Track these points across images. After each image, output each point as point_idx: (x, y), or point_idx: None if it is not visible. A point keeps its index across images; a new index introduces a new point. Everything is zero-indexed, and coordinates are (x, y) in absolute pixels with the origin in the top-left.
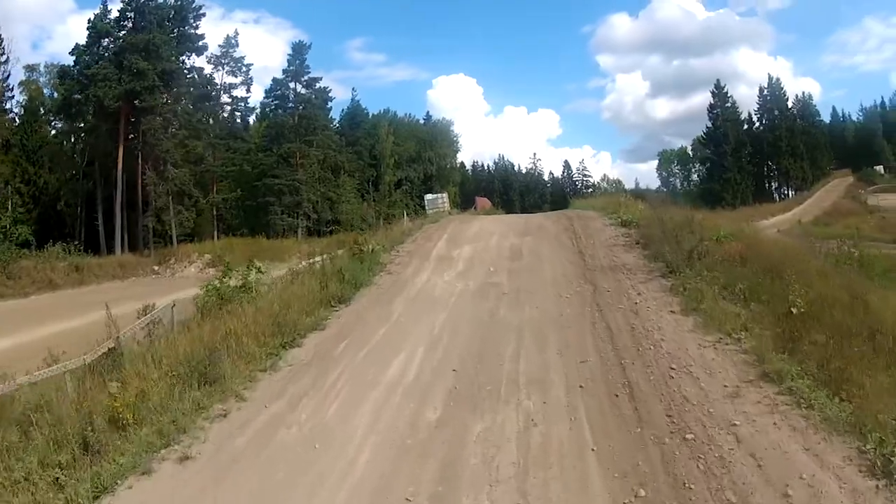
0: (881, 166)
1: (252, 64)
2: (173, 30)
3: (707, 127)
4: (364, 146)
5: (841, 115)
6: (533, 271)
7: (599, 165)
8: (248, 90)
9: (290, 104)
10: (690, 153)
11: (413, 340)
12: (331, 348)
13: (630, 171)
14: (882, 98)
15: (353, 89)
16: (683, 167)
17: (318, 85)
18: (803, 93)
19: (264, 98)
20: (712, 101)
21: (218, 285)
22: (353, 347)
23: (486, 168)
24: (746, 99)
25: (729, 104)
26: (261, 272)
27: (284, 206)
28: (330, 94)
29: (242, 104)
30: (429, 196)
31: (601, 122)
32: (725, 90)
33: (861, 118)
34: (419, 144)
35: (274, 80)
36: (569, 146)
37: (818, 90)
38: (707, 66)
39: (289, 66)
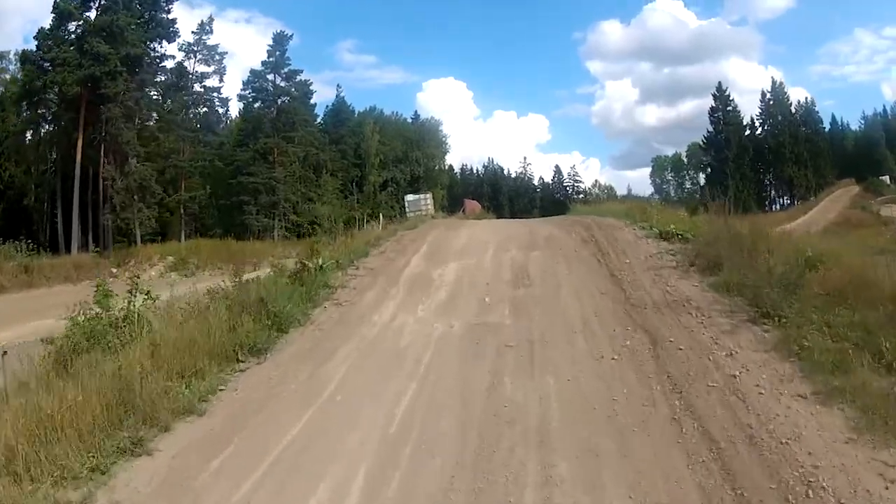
0: (887, 176)
1: (226, 52)
2: (143, 14)
3: (707, 131)
4: (349, 145)
5: (840, 123)
6: (549, 306)
7: (588, 171)
8: (220, 80)
9: (269, 97)
10: (685, 160)
11: (348, 456)
12: (194, 469)
13: (618, 177)
14: (883, 106)
15: (337, 86)
16: (677, 174)
17: (298, 78)
18: (806, 98)
19: (242, 90)
20: (714, 105)
21: (89, 317)
22: (234, 469)
23: (475, 172)
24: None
25: (730, 108)
26: (151, 298)
27: (260, 206)
28: (311, 88)
29: (216, 95)
30: (410, 196)
31: (590, 128)
32: (727, 93)
33: (861, 127)
34: (406, 144)
35: (252, 71)
36: (558, 152)
37: (808, 100)
38: (697, 73)
39: (268, 58)
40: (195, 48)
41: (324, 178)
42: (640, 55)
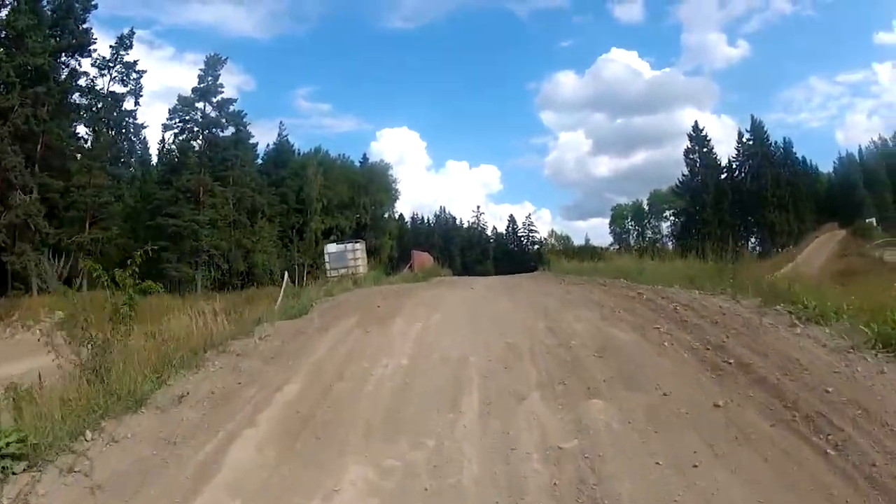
0: (873, 219)
1: (145, 71)
2: (56, 22)
3: (683, 174)
4: (290, 188)
5: (810, 165)
6: None
7: (539, 222)
8: (136, 102)
9: (197, 127)
10: (646, 207)
11: None
12: None
13: (569, 227)
14: (859, 147)
15: (280, 123)
16: (638, 223)
17: (231, 108)
18: (784, 139)
19: (168, 118)
20: (689, 146)
21: None
22: None
23: (426, 221)
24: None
25: (707, 150)
26: None
27: (182, 253)
28: (244, 120)
29: (130, 119)
30: (331, 247)
31: (542, 178)
32: (704, 133)
33: (834, 169)
34: (353, 189)
35: (179, 97)
36: (509, 202)
37: (786, 140)
38: (650, 124)
39: (199, 83)
40: (110, 64)
41: (259, 223)
42: (594, 106)
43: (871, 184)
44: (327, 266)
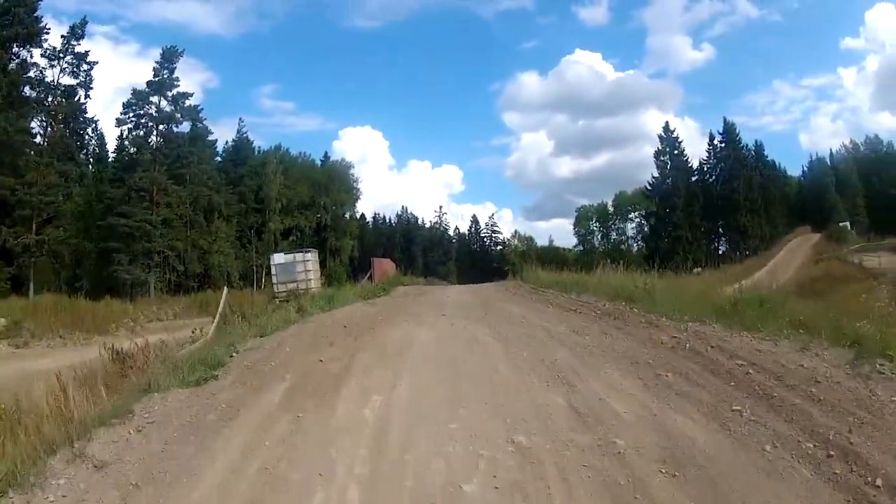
0: (848, 223)
1: (96, 62)
2: (9, 11)
3: (653, 177)
4: (249, 187)
5: (779, 169)
6: None
7: (501, 222)
8: (86, 95)
9: (150, 122)
10: (611, 209)
11: None
12: None
13: (531, 228)
14: (830, 151)
15: (239, 120)
16: (603, 224)
17: (187, 102)
18: (756, 142)
19: (122, 113)
20: (659, 147)
21: None
22: None
23: (388, 221)
24: (652, 159)
25: (677, 152)
26: None
27: (134, 255)
28: (201, 115)
29: (79, 114)
30: (278, 258)
31: (504, 179)
32: (675, 134)
33: (804, 173)
34: (313, 188)
35: (134, 91)
36: (471, 202)
37: (757, 143)
38: (613, 125)
39: (154, 76)
40: (60, 55)
41: (216, 223)
42: (557, 107)
43: (843, 188)
44: (274, 280)
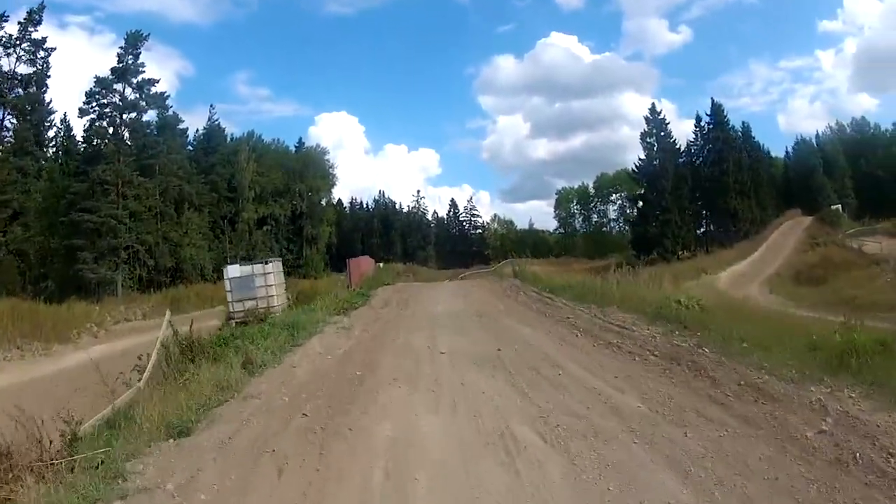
0: (839, 206)
1: (55, 48)
2: None
3: (640, 159)
4: (221, 176)
5: (764, 150)
6: None
7: (479, 205)
8: (44, 83)
9: (113, 112)
10: (592, 191)
11: None
12: None
13: (508, 210)
14: (817, 132)
15: (210, 106)
16: (584, 206)
17: (153, 89)
18: (743, 123)
19: (84, 103)
20: (646, 129)
21: None
22: None
23: (365, 206)
24: (629, 140)
25: (664, 133)
26: None
27: (99, 252)
28: (168, 103)
29: (39, 105)
30: (233, 270)
31: (480, 161)
32: (661, 115)
33: (793, 153)
34: (288, 175)
35: (96, 79)
36: (448, 185)
37: (745, 125)
38: (589, 107)
39: (118, 63)
40: (16, 42)
41: (187, 214)
42: (533, 90)
43: (830, 170)
44: (229, 298)
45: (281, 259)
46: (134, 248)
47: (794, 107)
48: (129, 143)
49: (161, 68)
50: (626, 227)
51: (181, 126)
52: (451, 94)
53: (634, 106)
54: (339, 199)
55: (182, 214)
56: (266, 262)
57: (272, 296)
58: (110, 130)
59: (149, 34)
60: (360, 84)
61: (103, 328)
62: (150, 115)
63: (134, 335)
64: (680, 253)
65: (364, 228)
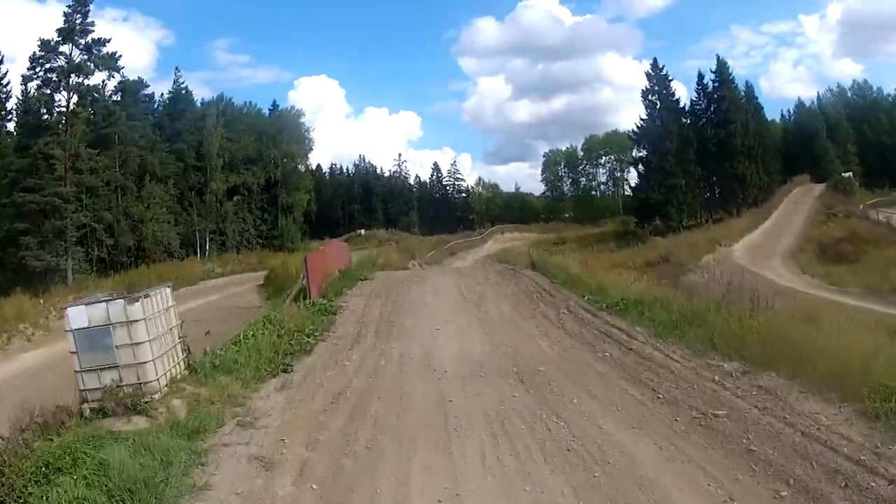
0: (850, 173)
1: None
2: None
3: (641, 119)
4: (188, 143)
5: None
6: None
7: (460, 167)
8: None
9: (57, 77)
10: (581, 153)
11: None
12: None
13: (490, 172)
14: (818, 94)
15: (175, 69)
16: (572, 170)
17: (104, 50)
18: (746, 83)
19: (28, 69)
20: (648, 85)
21: None
22: None
23: (345, 171)
24: (611, 102)
25: (666, 91)
26: None
27: (43, 236)
28: (119, 63)
29: None
30: (77, 314)
31: (461, 124)
32: (664, 71)
33: (794, 117)
34: (261, 141)
35: (41, 42)
36: (430, 148)
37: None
38: (571, 69)
39: (65, 23)
40: None
41: (148, 186)
42: (515, 52)
43: (832, 135)
44: (77, 366)
45: (170, 286)
46: (91, 227)
47: (777, 70)
48: (78, 110)
49: (141, 37)
50: (614, 191)
51: (146, 92)
52: (432, 57)
53: (617, 68)
54: (319, 165)
55: (143, 188)
56: (134, 298)
57: (145, 360)
58: (57, 98)
59: None
60: (340, 47)
61: (41, 328)
62: (105, 81)
63: None
64: (685, 221)
65: (344, 195)
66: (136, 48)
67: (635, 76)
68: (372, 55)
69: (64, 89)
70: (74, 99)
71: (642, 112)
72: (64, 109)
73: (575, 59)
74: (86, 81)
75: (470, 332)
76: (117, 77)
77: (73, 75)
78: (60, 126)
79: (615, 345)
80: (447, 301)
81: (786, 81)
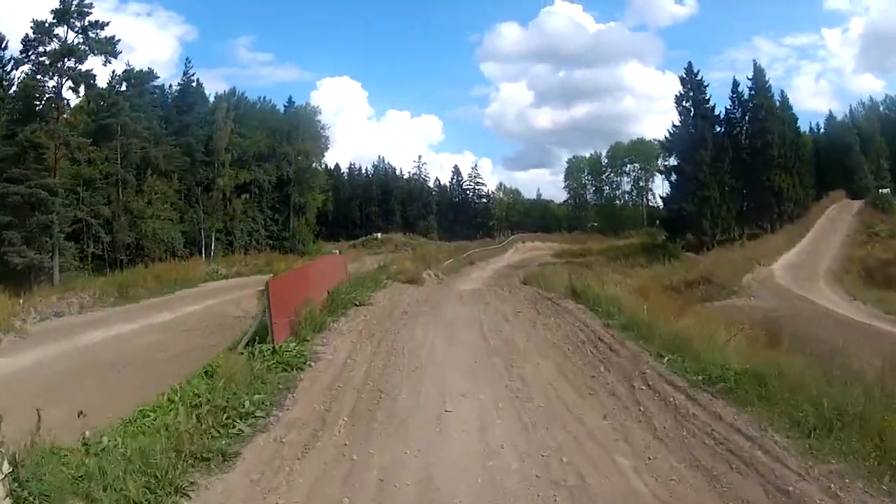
0: (888, 189)
1: None
2: None
3: (674, 126)
4: (197, 137)
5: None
6: None
7: (480, 172)
8: None
9: (49, 60)
10: (605, 161)
11: None
12: None
13: (510, 178)
14: (850, 107)
15: (186, 60)
16: (595, 177)
17: (102, 34)
18: (781, 92)
19: (20, 53)
20: (682, 91)
21: None
22: None
23: (364, 172)
24: (633, 111)
25: (703, 96)
26: None
27: (28, 232)
28: (116, 45)
29: None
30: None
31: (482, 129)
32: (699, 76)
33: (824, 129)
34: (274, 137)
35: (34, 24)
36: (450, 152)
37: (782, 94)
38: (593, 77)
39: (60, 4)
40: None
41: (149, 181)
42: (537, 58)
43: (865, 149)
44: None
45: None
46: (86, 223)
47: (799, 84)
48: (75, 97)
49: (163, 32)
50: (639, 201)
51: (156, 83)
52: (455, 61)
53: (638, 77)
54: (337, 165)
55: (143, 182)
56: None
57: None
58: (50, 84)
59: None
60: (363, 49)
61: (15, 332)
62: (105, 65)
63: (59, 338)
64: (718, 235)
65: (362, 196)
66: (158, 43)
67: (657, 86)
68: (395, 58)
69: (56, 74)
70: (70, 85)
71: (675, 118)
72: (55, 96)
73: (597, 66)
74: (80, 66)
75: (498, 423)
76: (115, 63)
77: (66, 59)
78: (52, 114)
79: (755, 479)
80: (464, 352)
81: (807, 95)
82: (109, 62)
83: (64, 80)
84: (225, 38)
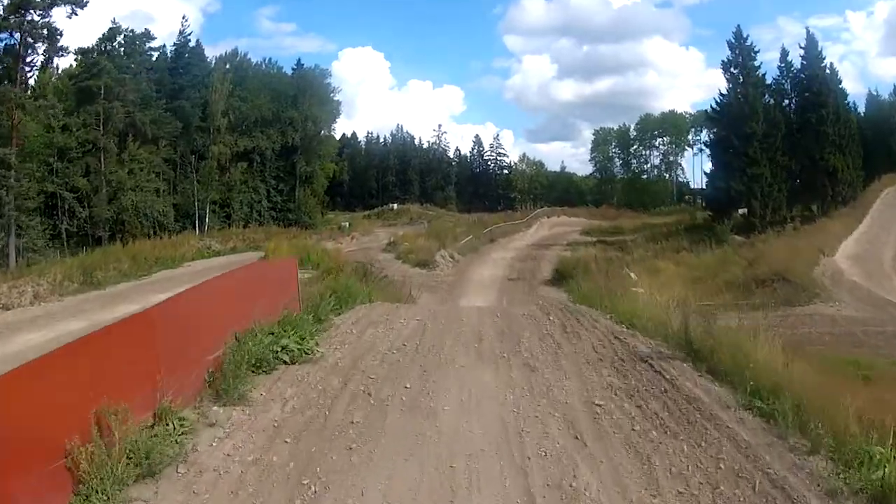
0: None
1: None
2: None
3: (721, 94)
4: (193, 101)
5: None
6: None
7: (503, 143)
8: None
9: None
10: (633, 132)
11: None
12: None
13: (532, 150)
14: (894, 87)
15: (182, 17)
16: (623, 150)
17: None
18: (830, 64)
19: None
20: (729, 56)
21: None
22: None
23: (382, 141)
24: (656, 86)
25: (752, 62)
26: None
27: None
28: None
29: None
30: None
31: (504, 101)
32: (749, 41)
33: (865, 110)
34: (278, 102)
35: None
36: (472, 122)
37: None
38: (617, 51)
39: None
40: None
41: (130, 148)
42: (561, 32)
43: None
44: None
45: None
46: (60, 196)
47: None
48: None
49: (187, 3)
50: (669, 176)
51: (152, 43)
52: (478, 33)
53: (662, 53)
54: (354, 133)
55: (125, 149)
56: None
57: None
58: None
59: None
60: (386, 19)
61: None
62: (59, 12)
63: None
64: (769, 217)
65: (379, 165)
66: (179, 14)
67: (680, 62)
68: (418, 29)
69: (15, 30)
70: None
71: (722, 86)
72: (13, 55)
73: (621, 41)
74: (37, 18)
75: None
76: (82, 14)
77: (25, 11)
78: (9, 72)
79: None
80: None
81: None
82: (76, 14)
83: (21, 34)
84: (248, 8)
